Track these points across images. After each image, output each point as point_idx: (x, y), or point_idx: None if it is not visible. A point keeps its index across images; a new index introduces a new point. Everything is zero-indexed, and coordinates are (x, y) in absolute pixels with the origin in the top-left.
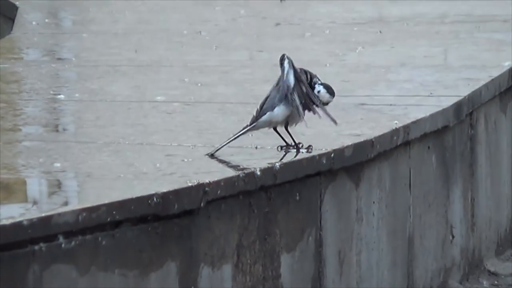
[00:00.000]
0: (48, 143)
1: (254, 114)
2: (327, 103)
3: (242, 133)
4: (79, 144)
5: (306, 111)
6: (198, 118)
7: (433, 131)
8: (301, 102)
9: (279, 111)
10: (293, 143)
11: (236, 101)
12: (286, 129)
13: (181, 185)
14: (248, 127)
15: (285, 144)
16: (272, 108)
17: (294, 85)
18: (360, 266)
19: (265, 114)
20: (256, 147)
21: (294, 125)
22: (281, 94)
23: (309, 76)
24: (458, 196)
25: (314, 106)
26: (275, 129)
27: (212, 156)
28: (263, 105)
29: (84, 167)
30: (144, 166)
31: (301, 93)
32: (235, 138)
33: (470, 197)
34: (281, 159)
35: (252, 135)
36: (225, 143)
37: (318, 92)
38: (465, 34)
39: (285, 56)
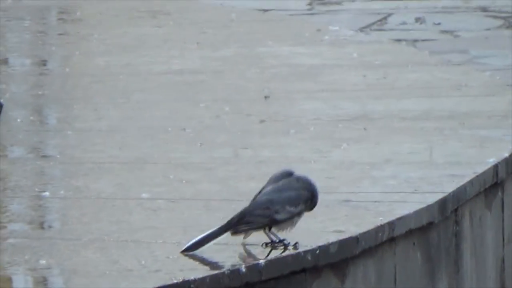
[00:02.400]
0: (33, 240)
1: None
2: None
3: (219, 236)
4: (64, 241)
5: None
6: (182, 215)
7: (418, 227)
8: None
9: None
10: (278, 240)
11: (221, 198)
12: (270, 230)
13: (166, 282)
14: (226, 232)
15: (270, 241)
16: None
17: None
18: None
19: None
20: (241, 244)
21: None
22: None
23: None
24: None
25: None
26: None
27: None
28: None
29: (69, 264)
30: (129, 263)
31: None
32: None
33: None
34: (267, 256)
35: None
36: (203, 244)
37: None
38: (449, 131)
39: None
